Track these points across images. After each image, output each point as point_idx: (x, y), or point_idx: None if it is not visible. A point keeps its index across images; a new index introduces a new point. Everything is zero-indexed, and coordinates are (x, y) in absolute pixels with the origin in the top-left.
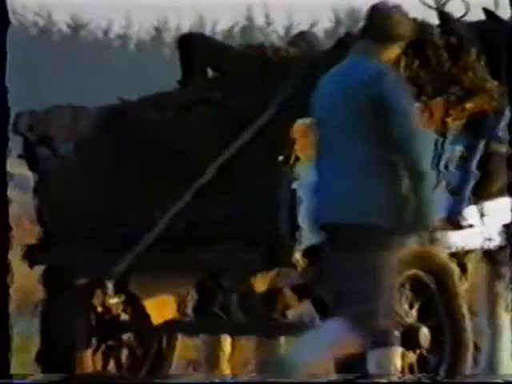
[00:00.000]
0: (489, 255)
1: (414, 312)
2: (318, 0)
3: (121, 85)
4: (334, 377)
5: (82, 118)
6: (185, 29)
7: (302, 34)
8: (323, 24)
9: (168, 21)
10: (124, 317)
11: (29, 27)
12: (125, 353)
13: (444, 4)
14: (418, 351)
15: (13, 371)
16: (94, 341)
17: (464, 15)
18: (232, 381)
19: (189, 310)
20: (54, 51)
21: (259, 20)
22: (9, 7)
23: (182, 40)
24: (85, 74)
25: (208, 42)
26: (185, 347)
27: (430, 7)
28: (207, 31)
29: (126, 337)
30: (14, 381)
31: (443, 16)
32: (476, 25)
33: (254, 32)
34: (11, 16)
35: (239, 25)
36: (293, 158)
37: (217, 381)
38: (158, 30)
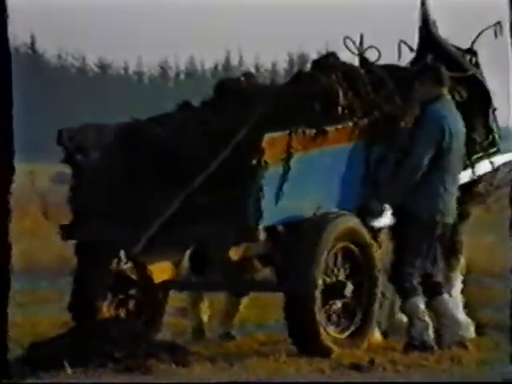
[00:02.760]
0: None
1: (342, 272)
2: (279, 47)
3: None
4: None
5: (105, 132)
6: (182, 66)
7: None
8: (282, 64)
9: (168, 60)
10: (132, 277)
11: (68, 68)
12: (132, 303)
13: (363, 52)
14: (343, 300)
15: (56, 315)
16: (109, 295)
17: (377, 60)
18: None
19: (182, 272)
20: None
21: (234, 61)
22: (54, 52)
23: None
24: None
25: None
26: (175, 299)
27: (353, 53)
28: (199, 68)
29: (132, 292)
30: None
31: (363, 60)
32: (385, 67)
33: (232, 70)
34: (55, 59)
35: (220, 64)
36: (262, 162)
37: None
38: (163, 68)
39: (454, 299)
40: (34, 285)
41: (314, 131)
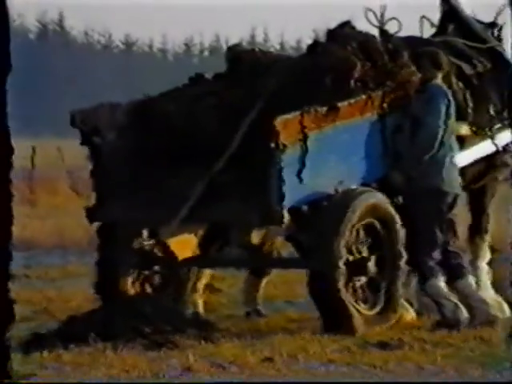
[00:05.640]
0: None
1: (365, 248)
2: (303, 23)
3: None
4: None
5: (118, 111)
6: (206, 44)
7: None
8: (307, 41)
9: (193, 39)
10: (155, 254)
11: (95, 44)
12: (157, 278)
13: (384, 24)
14: (368, 276)
15: (88, 289)
16: (133, 271)
17: (397, 32)
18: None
19: (203, 251)
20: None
21: (259, 38)
22: (80, 29)
23: None
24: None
25: None
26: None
27: (373, 25)
28: (224, 45)
29: (156, 268)
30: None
31: (383, 32)
32: (405, 39)
33: (257, 46)
34: (82, 36)
35: (245, 41)
36: (280, 145)
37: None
38: (187, 45)
39: (481, 279)
40: (65, 260)
41: (325, 108)
